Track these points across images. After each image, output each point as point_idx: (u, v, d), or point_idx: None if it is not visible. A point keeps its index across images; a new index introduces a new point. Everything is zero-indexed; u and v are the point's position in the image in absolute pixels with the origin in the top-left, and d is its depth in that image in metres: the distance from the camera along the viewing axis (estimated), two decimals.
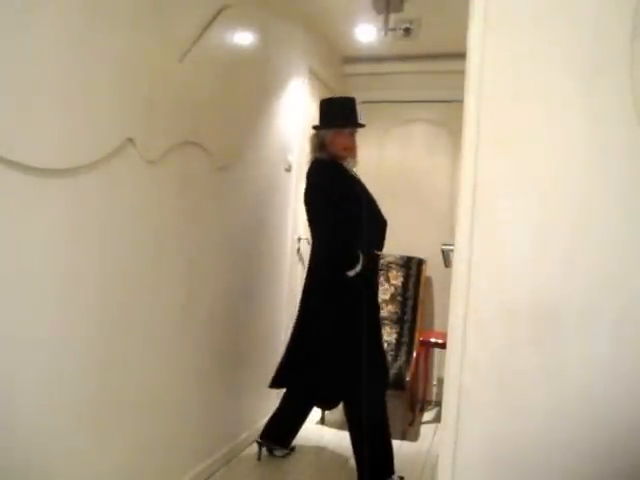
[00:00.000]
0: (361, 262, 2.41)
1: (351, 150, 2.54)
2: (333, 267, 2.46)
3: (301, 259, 3.50)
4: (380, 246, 2.62)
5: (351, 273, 2.42)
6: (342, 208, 2.42)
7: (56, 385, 1.60)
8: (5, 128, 1.36)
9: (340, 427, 3.11)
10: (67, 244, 1.60)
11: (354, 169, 2.62)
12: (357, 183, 2.55)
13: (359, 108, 2.59)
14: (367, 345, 2.40)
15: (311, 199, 2.52)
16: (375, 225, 2.55)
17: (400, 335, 3.63)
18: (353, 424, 2.49)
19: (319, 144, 2.54)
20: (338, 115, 2.55)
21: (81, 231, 1.65)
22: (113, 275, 1.79)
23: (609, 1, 1.48)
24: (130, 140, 1.79)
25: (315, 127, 2.61)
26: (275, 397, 3.20)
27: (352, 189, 2.49)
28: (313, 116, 3.59)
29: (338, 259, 2.45)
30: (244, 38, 2.54)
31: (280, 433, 2.75)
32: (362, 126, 2.58)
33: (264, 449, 2.75)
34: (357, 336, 2.40)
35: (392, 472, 2.49)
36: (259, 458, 2.73)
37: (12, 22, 1.35)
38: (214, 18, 2.20)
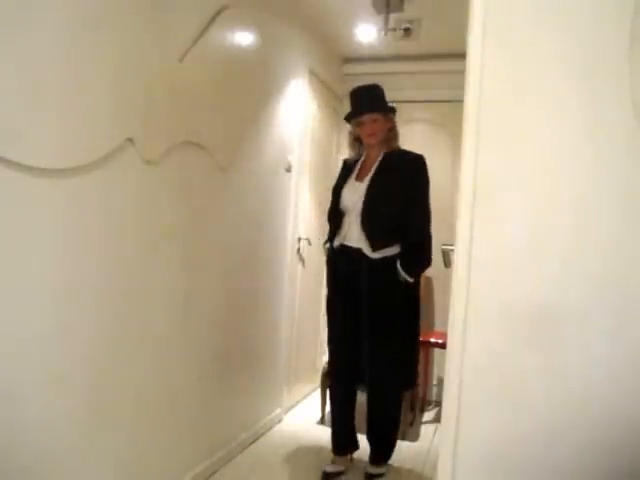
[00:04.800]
0: (332, 243, 2.61)
1: (373, 137, 2.53)
2: None
3: (301, 259, 3.50)
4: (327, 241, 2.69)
5: (326, 245, 2.68)
6: (332, 197, 2.68)
7: (55, 386, 1.60)
8: (5, 128, 1.36)
9: None
10: (66, 244, 1.60)
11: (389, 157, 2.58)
12: (346, 178, 2.62)
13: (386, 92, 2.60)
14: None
15: None
16: (340, 219, 2.60)
17: None
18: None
19: (352, 137, 2.67)
20: (354, 105, 2.57)
21: (80, 231, 1.65)
22: (112, 275, 1.79)
23: (608, 1, 1.48)
24: (130, 140, 1.79)
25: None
26: (276, 396, 3.20)
27: (343, 182, 2.63)
28: (313, 116, 3.60)
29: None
30: (244, 38, 2.54)
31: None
32: (367, 113, 2.51)
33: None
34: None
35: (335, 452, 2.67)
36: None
37: (12, 22, 1.35)
38: (214, 18, 2.20)
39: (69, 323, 1.63)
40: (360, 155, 2.64)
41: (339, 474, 2.59)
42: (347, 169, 2.68)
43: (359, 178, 2.57)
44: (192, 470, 2.33)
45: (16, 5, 1.36)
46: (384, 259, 2.46)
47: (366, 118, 2.50)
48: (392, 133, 2.56)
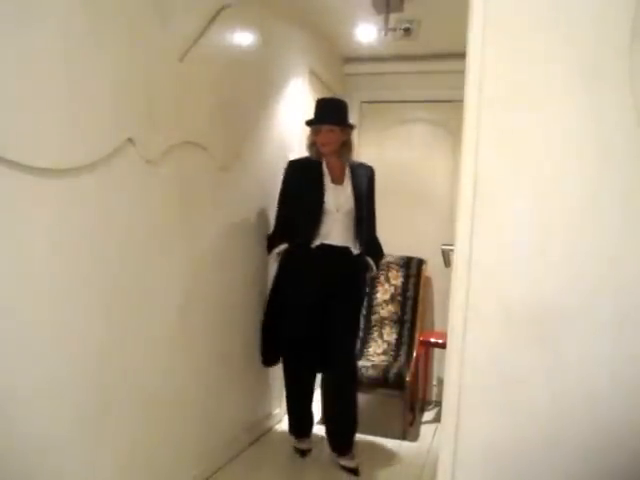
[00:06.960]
0: (278, 248, 2.76)
1: (327, 146, 2.71)
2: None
3: None
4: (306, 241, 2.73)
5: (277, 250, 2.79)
6: (288, 199, 2.79)
7: (55, 386, 1.60)
8: (5, 128, 1.36)
9: None
10: (67, 244, 1.60)
11: (345, 166, 2.78)
12: (318, 180, 2.71)
13: (351, 109, 2.84)
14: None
15: None
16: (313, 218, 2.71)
17: (400, 335, 3.63)
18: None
19: (309, 141, 2.81)
20: (317, 114, 2.76)
21: (81, 231, 1.65)
22: (113, 275, 1.79)
23: (609, 2, 1.48)
24: (130, 140, 1.79)
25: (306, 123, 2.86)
26: (276, 396, 3.20)
27: (304, 185, 2.74)
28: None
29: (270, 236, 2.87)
30: (244, 38, 2.54)
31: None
32: (326, 123, 2.69)
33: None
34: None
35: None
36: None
37: (12, 21, 1.35)
38: (214, 18, 2.20)
39: (70, 322, 1.63)
40: (315, 159, 2.77)
41: (310, 450, 2.89)
42: (308, 171, 2.76)
43: (336, 182, 2.74)
44: (192, 470, 2.33)
45: (17, 5, 1.36)
46: (360, 254, 2.75)
47: (324, 128, 2.70)
48: (346, 146, 2.77)
